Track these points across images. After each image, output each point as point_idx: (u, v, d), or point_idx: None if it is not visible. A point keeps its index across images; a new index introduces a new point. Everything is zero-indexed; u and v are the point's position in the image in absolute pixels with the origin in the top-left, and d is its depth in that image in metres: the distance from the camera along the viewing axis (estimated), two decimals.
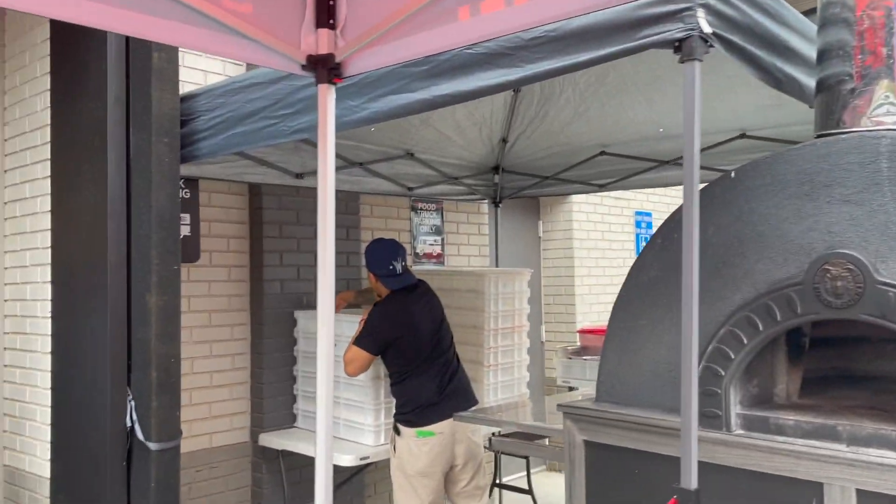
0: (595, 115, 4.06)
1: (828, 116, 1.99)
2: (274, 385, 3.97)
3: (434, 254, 5.15)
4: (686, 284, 1.63)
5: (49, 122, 3.25)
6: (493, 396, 4.23)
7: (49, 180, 3.25)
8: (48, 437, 3.21)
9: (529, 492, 4.69)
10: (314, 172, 4.07)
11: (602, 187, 5.15)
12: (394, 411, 3.46)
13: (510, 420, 3.01)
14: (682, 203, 1.71)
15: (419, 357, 3.36)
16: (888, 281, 1.74)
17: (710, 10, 1.65)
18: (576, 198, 6.36)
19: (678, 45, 1.66)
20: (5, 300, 3.55)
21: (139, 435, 2.81)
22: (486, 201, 5.52)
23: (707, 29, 1.63)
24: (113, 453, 2.85)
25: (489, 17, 1.59)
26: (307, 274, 4.14)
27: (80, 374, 3.01)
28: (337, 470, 3.63)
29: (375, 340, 3.32)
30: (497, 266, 5.50)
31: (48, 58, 3.27)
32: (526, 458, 4.82)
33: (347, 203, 4.43)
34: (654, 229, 7.37)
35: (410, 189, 4.82)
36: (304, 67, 1.90)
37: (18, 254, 3.47)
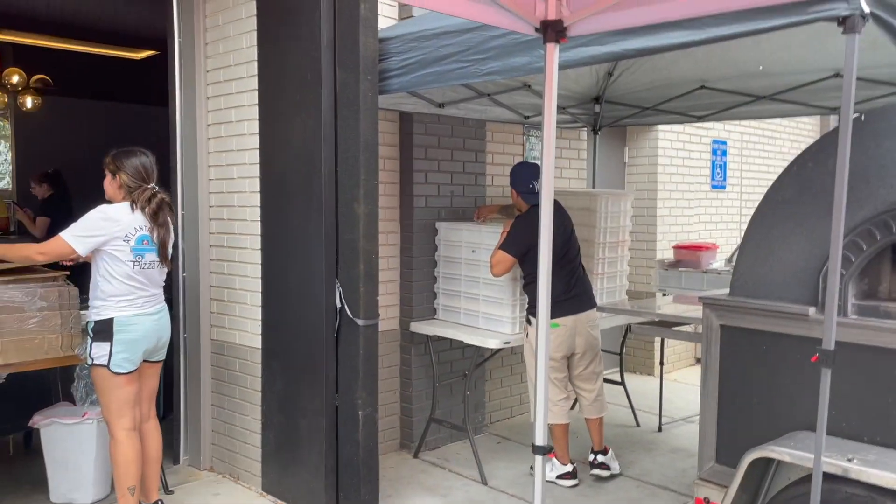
0: (702, 54, 4.51)
1: None
2: (420, 283, 4.70)
3: None
4: (837, 201, 2.23)
5: (256, 58, 3.88)
6: (601, 300, 4.91)
7: (256, 108, 3.91)
8: (258, 316, 3.98)
9: (622, 384, 5.44)
10: (454, 102, 4.70)
11: (700, 119, 5.66)
12: (526, 306, 4.17)
13: (652, 311, 3.70)
14: (834, 136, 2.29)
15: (551, 262, 4.04)
16: None
17: None
18: (661, 126, 6.86)
19: (842, 21, 2.21)
20: (210, 206, 4.28)
21: (349, 313, 3.55)
22: (586, 129, 6.07)
23: (867, 9, 2.18)
24: (327, 327, 3.60)
25: None
26: (445, 191, 4.80)
27: (294, 266, 3.74)
28: (481, 351, 4.39)
29: (518, 246, 3.99)
30: (594, 188, 6.10)
31: (253, 2, 3.87)
32: (620, 355, 5.56)
33: (476, 130, 5.03)
34: (730, 156, 7.85)
35: (526, 118, 5.40)
36: (536, 30, 2.49)
37: (224, 168, 4.17)
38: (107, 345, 3.26)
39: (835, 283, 2.26)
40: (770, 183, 2.95)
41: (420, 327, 4.59)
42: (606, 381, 5.56)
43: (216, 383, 4.32)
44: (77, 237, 3.19)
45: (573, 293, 4.13)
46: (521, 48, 3.08)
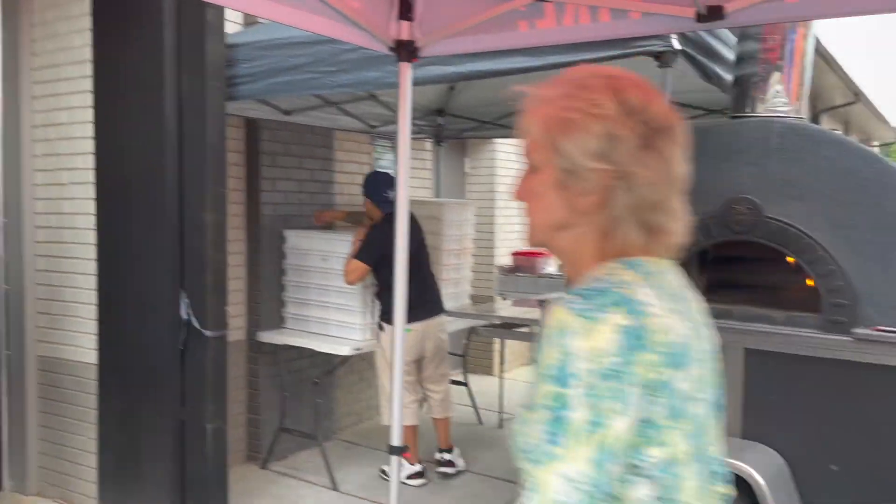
0: (537, 76, 4.84)
1: (740, 103, 2.93)
2: (267, 292, 4.65)
3: None
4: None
5: (90, 59, 3.69)
6: (446, 305, 5.11)
7: (91, 111, 3.72)
8: (93, 330, 3.78)
9: (465, 384, 5.69)
10: (301, 110, 4.71)
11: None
12: (378, 313, 4.27)
13: (494, 315, 3.93)
14: None
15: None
16: (773, 216, 2.72)
17: (681, 35, 2.51)
18: (498, 140, 7.23)
19: (658, 55, 2.51)
20: (36, 213, 4.00)
21: (196, 325, 3.47)
22: (430, 140, 6.28)
23: (678, 46, 2.49)
24: (172, 340, 3.50)
25: (542, 31, 2.37)
26: (293, 199, 4.79)
27: (136, 277, 3.60)
28: (331, 358, 4.44)
29: (372, 255, 4.08)
30: (439, 198, 6.32)
31: (87, 1, 3.69)
32: (463, 357, 5.80)
33: (324, 138, 5.07)
34: None
35: (373, 127, 5.50)
36: (391, 49, 2.60)
37: (52, 172, 3.92)
38: None
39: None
40: None
41: (269, 337, 4.55)
42: (451, 382, 5.81)
43: (44, 402, 4.04)
44: None
45: (424, 299, 4.27)
46: (373, 63, 3.18)
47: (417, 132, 6.05)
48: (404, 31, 2.60)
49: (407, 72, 2.63)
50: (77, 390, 3.88)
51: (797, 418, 2.72)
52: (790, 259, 3.37)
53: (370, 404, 5.63)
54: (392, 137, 5.89)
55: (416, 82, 3.07)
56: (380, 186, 4.21)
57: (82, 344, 3.86)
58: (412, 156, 6.14)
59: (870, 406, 2.61)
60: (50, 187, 3.95)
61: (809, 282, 3.35)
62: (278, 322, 4.73)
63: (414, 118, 5.92)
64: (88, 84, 3.72)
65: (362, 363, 5.39)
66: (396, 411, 2.73)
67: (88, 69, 3.71)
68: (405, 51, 2.60)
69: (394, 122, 5.77)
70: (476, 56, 2.85)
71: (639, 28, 2.22)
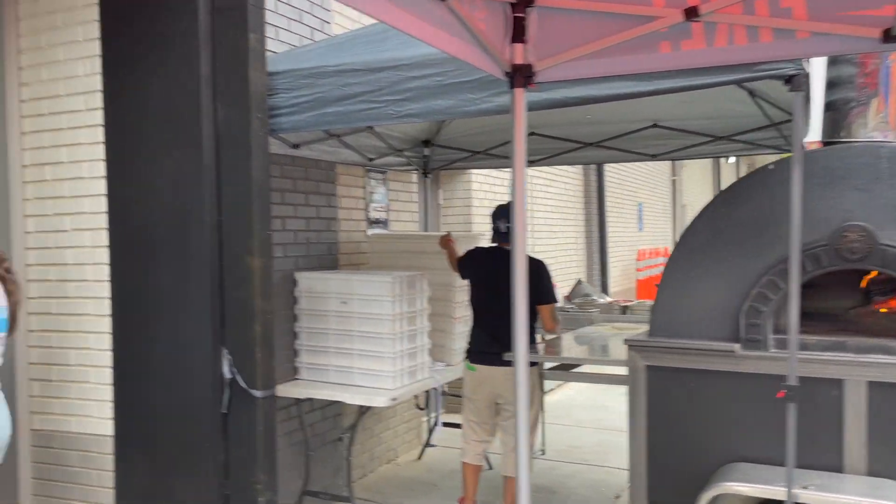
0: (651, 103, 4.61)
1: (835, 127, 2.87)
2: (279, 340, 4.24)
3: (381, 220, 5.59)
4: (793, 242, 2.39)
5: (101, 89, 3.27)
6: (459, 344, 4.85)
7: (102, 146, 3.28)
8: (108, 397, 3.30)
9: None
10: (307, 143, 4.39)
11: (533, 163, 5.89)
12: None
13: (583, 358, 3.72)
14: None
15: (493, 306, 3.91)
16: (888, 243, 2.65)
17: None
18: (473, 171, 7.07)
19: (789, 79, 2.40)
20: (28, 265, 3.49)
21: (242, 384, 3.08)
22: (416, 172, 6.04)
23: (808, 70, 2.39)
24: (213, 403, 3.08)
25: (687, 53, 2.21)
26: (301, 238, 4.43)
27: (164, 333, 3.16)
28: (342, 409, 4.08)
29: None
30: (426, 230, 6.07)
31: (95, 24, 3.27)
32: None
33: (328, 173, 4.74)
34: (526, 198, 8.32)
35: (370, 160, 5.21)
36: (506, 73, 2.38)
37: (49, 218, 3.43)
38: None
39: (794, 321, 2.42)
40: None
41: (286, 390, 4.14)
42: (445, 424, 5.51)
43: (40, 484, 3.49)
44: None
45: (498, 343, 3.86)
46: (445, 91, 2.95)
47: (406, 163, 5.80)
48: (518, 54, 2.39)
49: (522, 98, 2.41)
50: (89, 467, 3.37)
51: None
52: (863, 283, 3.35)
53: (373, 455, 5.26)
54: (383, 170, 5.62)
55: (502, 110, 2.87)
56: (496, 216, 4.02)
57: (92, 413, 3.36)
58: (400, 188, 5.89)
59: None
60: (46, 235, 3.45)
61: (883, 307, 3.33)
62: (291, 373, 4.33)
63: (402, 149, 5.71)
64: (98, 117, 3.29)
65: (347, 409, 5.02)
66: (523, 471, 2.45)
67: (98, 100, 3.29)
68: (521, 75, 2.38)
69: (389, 154, 5.54)
70: (579, 82, 2.67)
71: (806, 49, 2.09)
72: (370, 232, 5.34)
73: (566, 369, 4.29)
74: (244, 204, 3.08)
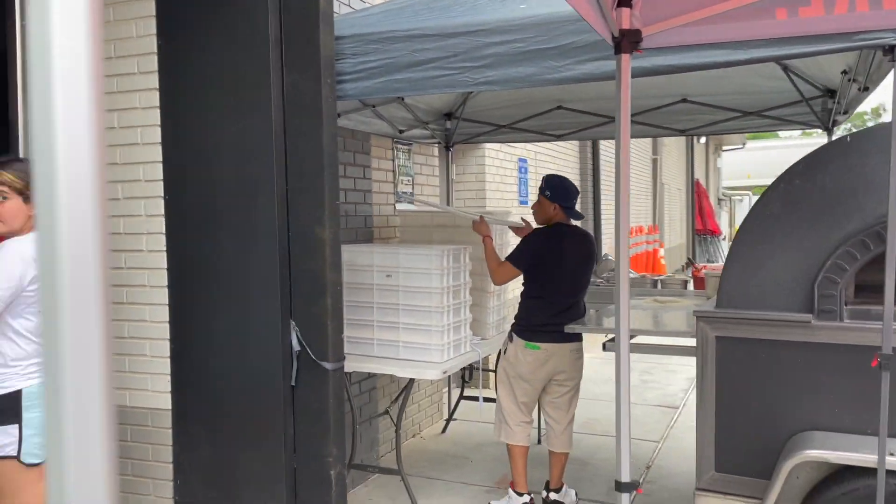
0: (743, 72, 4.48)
1: None
2: None
3: (408, 193, 5.52)
4: (892, 209, 2.40)
5: (156, 51, 3.14)
6: (493, 318, 4.83)
7: (157, 111, 3.16)
8: (165, 370, 3.22)
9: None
10: (345, 113, 4.30)
11: (559, 137, 5.86)
12: (516, 322, 3.94)
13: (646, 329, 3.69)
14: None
15: (566, 284, 3.85)
16: None
17: None
18: (487, 145, 7.01)
19: (889, 49, 2.40)
20: None
21: (312, 356, 3.02)
22: (438, 145, 5.97)
23: None
24: (278, 376, 3.02)
25: (803, 20, 2.20)
26: (340, 210, 4.34)
27: (228, 305, 3.08)
28: (388, 384, 4.05)
29: (525, 259, 3.82)
30: (449, 204, 6.01)
31: None
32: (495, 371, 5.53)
33: (363, 144, 4.65)
34: (529, 173, 8.31)
35: (401, 132, 5.13)
36: (614, 38, 2.34)
37: None
38: (14, 428, 2.37)
39: (890, 291, 2.44)
40: None
41: (331, 364, 4.08)
42: (464, 397, 5.50)
43: None
44: None
45: (568, 318, 3.84)
46: (526, 58, 2.89)
47: (429, 136, 5.73)
48: (625, 19, 2.35)
49: (628, 64, 2.38)
50: (145, 442, 3.28)
51: None
52: None
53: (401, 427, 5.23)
54: (410, 143, 5.54)
55: (591, 77, 2.83)
56: (569, 192, 3.90)
57: (146, 387, 3.27)
58: (423, 162, 5.82)
59: None
60: None
61: None
62: None
63: (427, 121, 5.63)
64: (152, 81, 3.17)
65: (393, 385, 5.00)
66: (625, 444, 2.45)
67: (153, 63, 3.16)
68: (629, 41, 2.35)
69: (416, 126, 5.45)
70: (671, 49, 2.63)
71: None
72: (398, 206, 5.27)
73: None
74: (314, 173, 3.00)
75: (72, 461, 0.58)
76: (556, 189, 3.94)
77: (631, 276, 5.49)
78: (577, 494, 4.13)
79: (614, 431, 5.49)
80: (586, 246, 4.01)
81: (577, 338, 3.91)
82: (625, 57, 2.37)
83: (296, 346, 3.03)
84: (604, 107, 5.35)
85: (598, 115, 5.44)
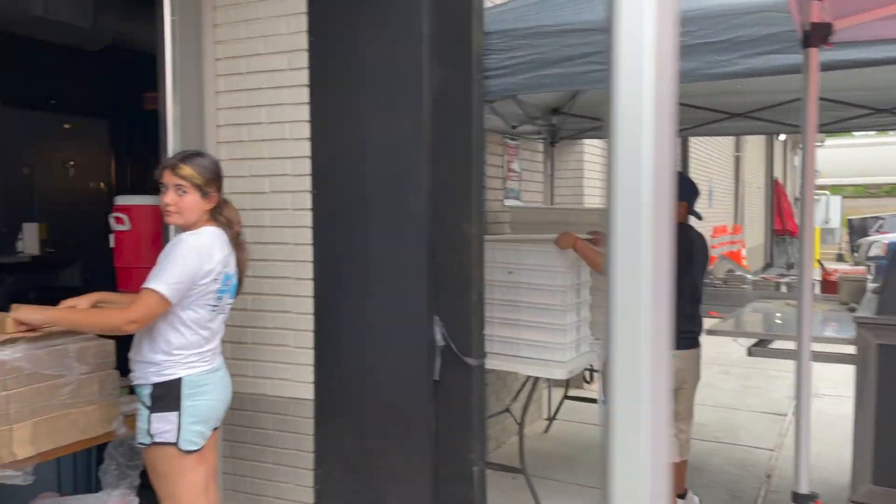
0: None
1: None
2: None
3: (515, 190, 5.50)
4: None
5: (307, 48, 3.19)
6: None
7: (306, 107, 3.21)
8: (308, 361, 3.27)
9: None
10: None
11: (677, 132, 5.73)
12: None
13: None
14: None
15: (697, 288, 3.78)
16: None
17: None
18: (586, 140, 6.92)
19: None
20: None
21: (456, 352, 3.02)
22: (543, 141, 5.92)
23: None
24: (421, 370, 3.03)
25: None
26: None
27: (373, 299, 3.11)
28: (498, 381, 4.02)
29: None
30: (552, 202, 5.96)
31: None
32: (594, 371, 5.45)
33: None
34: None
35: (513, 127, 5.11)
36: (805, 32, 2.26)
37: (245, 179, 3.39)
38: (173, 415, 2.44)
39: None
40: None
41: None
42: (575, 398, 5.43)
43: (230, 446, 3.49)
44: (172, 286, 2.35)
45: (693, 324, 3.79)
46: (686, 52, 2.82)
47: (537, 132, 5.69)
48: (815, 12, 2.26)
49: (816, 59, 2.29)
50: (285, 431, 3.35)
51: None
52: None
53: (504, 427, 5.22)
54: (517, 139, 5.51)
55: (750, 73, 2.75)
56: (697, 191, 3.77)
57: (288, 377, 3.34)
58: (529, 158, 5.78)
59: None
60: (242, 196, 3.39)
61: None
62: None
63: (535, 117, 5.58)
64: (303, 77, 3.22)
65: (497, 381, 4.98)
66: (803, 457, 2.37)
67: (302, 60, 3.21)
68: (819, 34, 2.26)
69: (527, 122, 5.42)
70: (855, 43, 2.53)
71: None
72: (507, 202, 5.25)
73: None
74: (463, 170, 3.00)
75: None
76: (684, 187, 3.81)
77: (749, 277, 5.37)
78: (700, 501, 4.04)
79: (724, 437, 5.38)
80: (706, 249, 3.90)
81: (699, 343, 3.82)
82: (812, 51, 2.28)
83: (439, 342, 3.04)
84: (721, 102, 5.21)
85: (717, 111, 5.30)
